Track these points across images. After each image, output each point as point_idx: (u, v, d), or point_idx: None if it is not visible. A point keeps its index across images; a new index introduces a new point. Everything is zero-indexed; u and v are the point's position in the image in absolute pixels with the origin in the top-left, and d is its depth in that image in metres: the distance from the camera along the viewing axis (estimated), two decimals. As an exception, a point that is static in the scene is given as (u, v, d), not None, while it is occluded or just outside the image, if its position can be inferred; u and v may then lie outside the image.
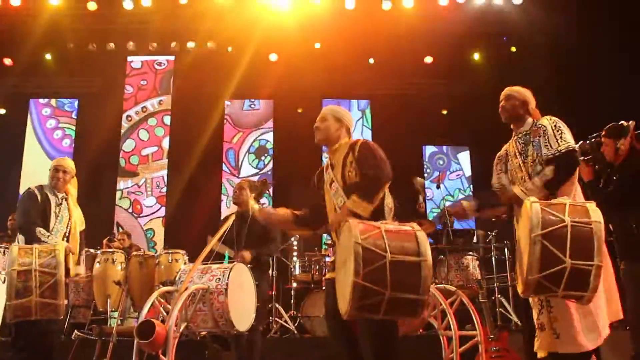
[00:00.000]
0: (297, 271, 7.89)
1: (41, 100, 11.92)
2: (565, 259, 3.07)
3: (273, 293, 7.40)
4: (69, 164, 5.53)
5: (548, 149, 3.81)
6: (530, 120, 4.02)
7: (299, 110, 11.43)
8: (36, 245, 4.89)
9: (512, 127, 4.13)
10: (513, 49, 11.03)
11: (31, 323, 4.81)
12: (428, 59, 11.14)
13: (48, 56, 11.46)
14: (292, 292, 7.82)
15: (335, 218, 3.77)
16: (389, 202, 3.79)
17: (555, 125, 3.85)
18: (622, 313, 3.86)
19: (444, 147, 11.80)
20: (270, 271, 6.19)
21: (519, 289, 3.46)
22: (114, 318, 7.06)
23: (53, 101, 11.92)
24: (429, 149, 11.77)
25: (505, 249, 7.48)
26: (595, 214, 3.19)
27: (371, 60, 11.27)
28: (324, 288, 7.58)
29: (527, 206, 3.32)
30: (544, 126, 3.88)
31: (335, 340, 3.95)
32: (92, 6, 10.40)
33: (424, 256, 3.15)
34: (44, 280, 4.66)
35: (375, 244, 3.14)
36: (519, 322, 6.77)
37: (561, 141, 3.77)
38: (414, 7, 10.30)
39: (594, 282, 3.06)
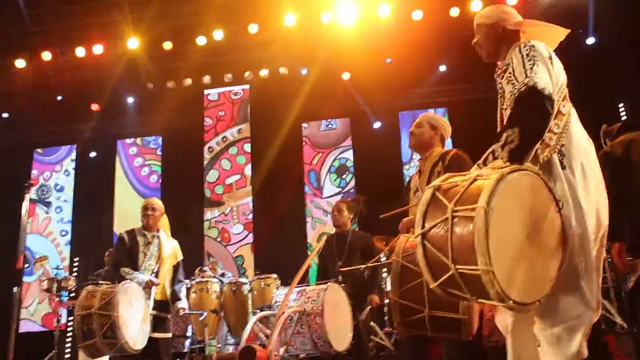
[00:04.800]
0: (389, 287, 7.81)
1: (127, 140, 12.43)
2: (449, 263, 2.23)
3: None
4: (156, 202, 5.79)
5: (514, 85, 2.61)
6: (515, 46, 2.79)
7: (376, 126, 11.43)
8: (102, 288, 5.11)
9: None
10: (590, 41, 10.64)
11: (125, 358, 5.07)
12: (502, 61, 10.88)
13: (130, 97, 11.97)
14: (385, 309, 7.74)
15: (405, 222, 3.73)
16: None
17: (527, 54, 2.64)
18: None
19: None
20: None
21: None
22: (213, 346, 7.20)
23: (138, 140, 12.42)
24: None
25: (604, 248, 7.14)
26: (485, 195, 2.15)
27: (442, 68, 11.14)
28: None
29: None
30: (512, 56, 2.73)
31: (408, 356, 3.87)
32: (167, 45, 10.78)
33: None
34: (104, 322, 4.83)
35: (414, 262, 3.06)
36: (624, 325, 6.46)
37: (531, 77, 2.52)
38: (482, 9, 10.10)
39: (491, 290, 2.14)
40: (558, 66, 2.73)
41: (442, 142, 4.03)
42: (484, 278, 2.14)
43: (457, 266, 2.22)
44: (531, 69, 2.58)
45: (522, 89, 2.54)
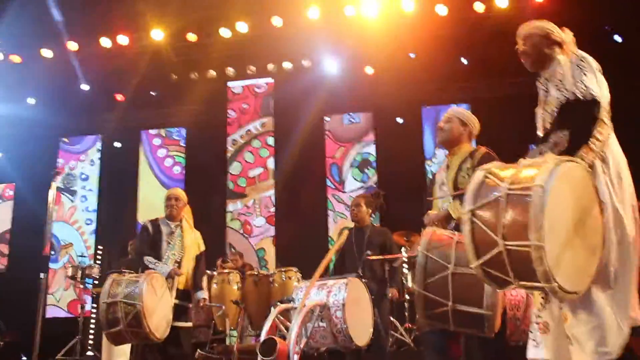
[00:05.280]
0: (410, 283, 7.82)
1: (151, 131, 12.54)
2: (498, 239, 2.28)
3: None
4: (180, 192, 5.88)
5: (562, 91, 2.88)
6: (560, 57, 3.09)
7: (399, 121, 11.40)
8: (127, 276, 5.20)
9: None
10: (617, 38, 10.50)
11: (147, 346, 5.18)
12: (523, 58, 10.78)
13: (155, 88, 12.05)
14: (406, 305, 7.75)
15: (431, 216, 3.76)
16: None
17: (577, 65, 2.90)
18: None
19: (553, 146, 11.34)
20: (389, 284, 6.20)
21: None
22: (233, 337, 7.28)
23: (162, 131, 12.52)
24: (536, 149, 11.37)
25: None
26: (543, 175, 2.26)
27: (466, 64, 11.06)
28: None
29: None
30: (562, 65, 2.98)
31: (428, 352, 3.89)
32: (192, 37, 10.86)
33: None
34: (128, 311, 4.92)
35: (440, 255, 3.09)
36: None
37: (579, 83, 2.79)
38: (508, 6, 10.03)
39: (539, 267, 2.20)
40: (604, 82, 2.91)
41: (470, 139, 4.04)
42: (534, 254, 2.19)
43: (507, 242, 2.26)
44: (581, 78, 2.80)
45: (574, 96, 2.76)
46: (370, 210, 5.93)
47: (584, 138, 2.73)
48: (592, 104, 2.75)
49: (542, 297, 2.84)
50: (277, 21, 10.50)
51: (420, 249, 3.14)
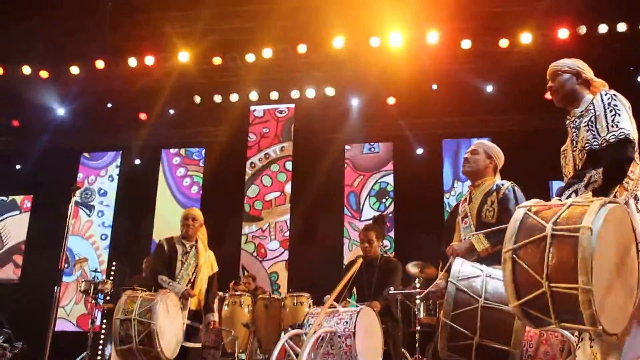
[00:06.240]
0: (422, 314, 7.76)
1: (171, 150, 12.64)
2: (542, 280, 2.24)
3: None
4: (197, 212, 5.89)
5: (594, 135, 2.87)
6: (589, 96, 3.10)
7: (419, 152, 11.40)
8: (142, 294, 5.20)
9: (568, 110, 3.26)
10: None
11: None
12: (549, 94, 10.75)
13: (178, 108, 12.17)
14: (417, 336, 7.68)
15: (454, 247, 3.75)
16: None
17: (609, 103, 2.88)
18: None
19: (572, 183, 11.24)
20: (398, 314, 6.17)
21: None
22: (242, 359, 7.24)
23: (182, 150, 12.61)
24: (556, 184, 11.29)
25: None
26: (590, 217, 2.24)
27: (488, 98, 11.03)
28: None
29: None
30: (593, 103, 2.97)
31: None
32: (217, 61, 10.97)
33: None
34: (141, 329, 4.94)
35: (470, 287, 3.07)
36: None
37: (612, 126, 2.79)
38: (532, 42, 10.05)
39: (586, 311, 2.16)
40: (633, 121, 2.91)
41: (495, 172, 4.06)
42: (581, 297, 2.16)
43: (552, 284, 2.23)
44: (613, 118, 2.80)
45: (612, 141, 2.74)
46: (381, 242, 5.93)
47: (619, 177, 2.74)
48: (626, 143, 2.76)
49: (576, 337, 2.83)
50: (302, 48, 10.60)
51: (451, 279, 3.11)
